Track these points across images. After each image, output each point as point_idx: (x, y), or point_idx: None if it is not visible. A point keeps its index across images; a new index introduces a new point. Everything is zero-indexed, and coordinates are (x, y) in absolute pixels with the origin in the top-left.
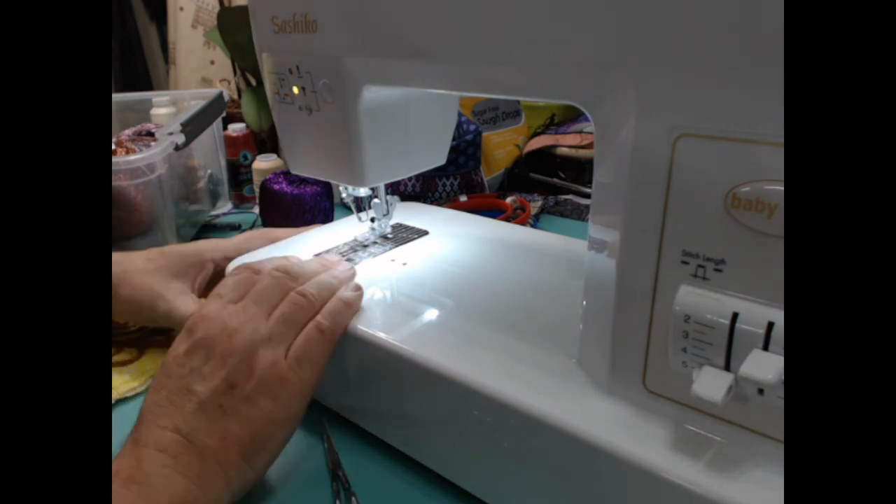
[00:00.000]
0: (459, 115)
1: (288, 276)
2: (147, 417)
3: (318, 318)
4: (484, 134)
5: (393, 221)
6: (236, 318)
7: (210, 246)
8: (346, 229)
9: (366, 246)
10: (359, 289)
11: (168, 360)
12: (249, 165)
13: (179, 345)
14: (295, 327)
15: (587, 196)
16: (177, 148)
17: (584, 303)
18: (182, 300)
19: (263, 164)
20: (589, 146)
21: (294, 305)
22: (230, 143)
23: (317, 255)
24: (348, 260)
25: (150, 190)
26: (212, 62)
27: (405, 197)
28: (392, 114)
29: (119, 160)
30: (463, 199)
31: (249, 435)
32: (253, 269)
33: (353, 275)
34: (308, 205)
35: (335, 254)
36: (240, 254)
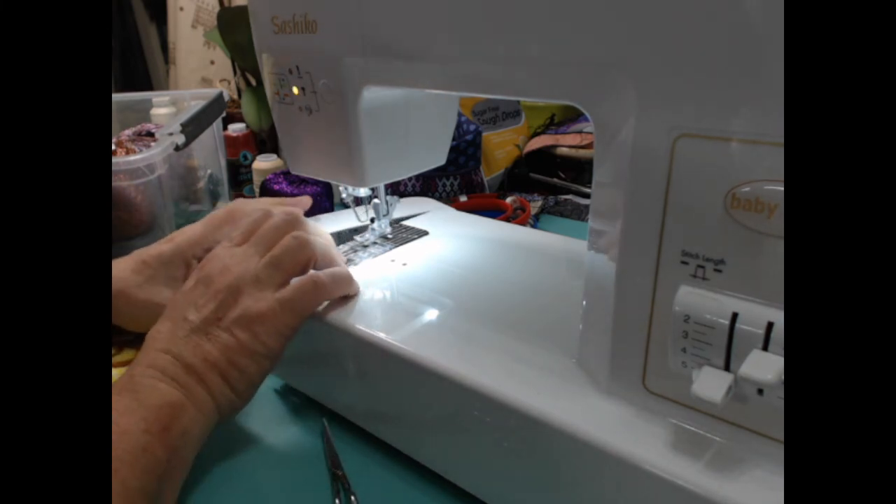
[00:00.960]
0: (459, 115)
1: (291, 222)
2: (147, 343)
3: (321, 273)
4: (484, 134)
5: (396, 214)
6: (233, 258)
7: (186, 241)
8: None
9: (366, 246)
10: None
11: (177, 294)
12: (249, 165)
13: (189, 280)
14: (283, 269)
15: (587, 196)
16: (177, 148)
17: (584, 303)
18: None
19: (263, 164)
20: (589, 146)
21: (285, 248)
22: (230, 143)
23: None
24: (348, 260)
25: (150, 190)
26: (212, 62)
27: (405, 197)
28: (392, 114)
29: (119, 160)
30: (463, 199)
31: (226, 360)
32: (266, 213)
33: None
34: None
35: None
36: (216, 242)
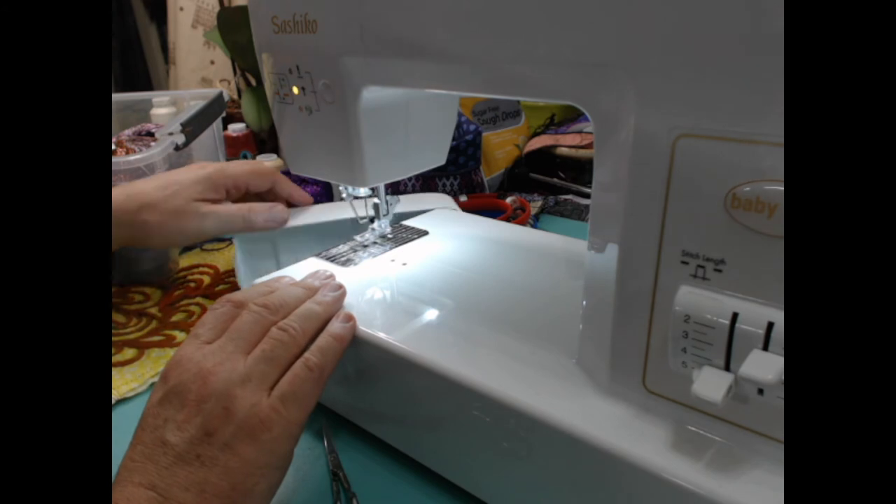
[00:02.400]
0: (459, 115)
1: (268, 310)
2: (122, 474)
3: (307, 354)
4: (484, 134)
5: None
6: (211, 358)
7: (216, 169)
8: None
9: (366, 246)
10: (350, 319)
11: (144, 412)
12: None
13: (154, 394)
14: (276, 365)
15: (587, 196)
16: (177, 148)
17: (584, 303)
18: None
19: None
20: (589, 146)
21: (275, 342)
22: (230, 143)
23: (316, 255)
24: (348, 260)
25: None
26: (212, 62)
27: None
28: (392, 114)
29: (119, 160)
30: (463, 199)
31: (230, 485)
32: (233, 303)
33: (343, 295)
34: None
35: (336, 251)
36: (249, 186)
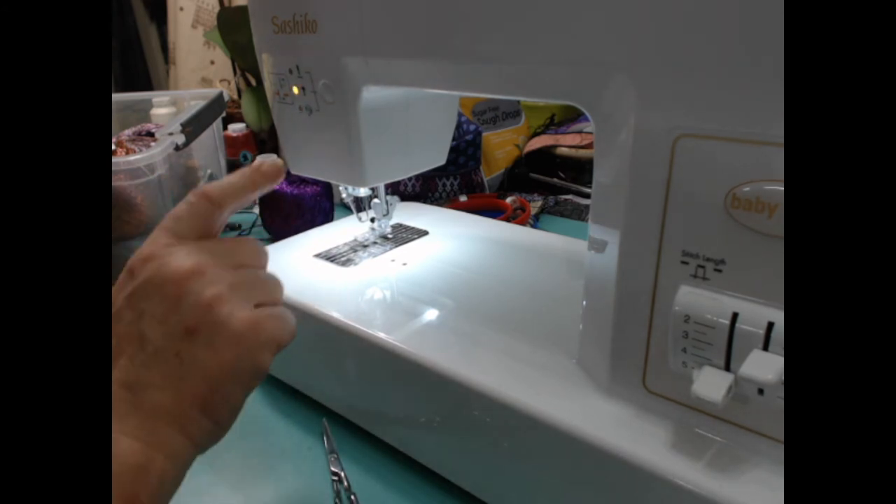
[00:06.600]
0: (459, 115)
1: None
2: None
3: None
4: (484, 134)
5: (393, 221)
6: (192, 256)
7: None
8: (347, 229)
9: (366, 246)
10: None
11: (114, 305)
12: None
13: (121, 288)
14: (261, 288)
15: (587, 196)
16: (177, 148)
17: (584, 303)
18: None
19: None
20: (589, 146)
21: (261, 277)
22: (230, 143)
23: (316, 255)
24: (348, 260)
25: (150, 190)
26: (212, 62)
27: (405, 197)
28: (392, 114)
29: (119, 160)
30: (463, 199)
31: (209, 388)
32: (209, 199)
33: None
34: (308, 205)
35: (336, 252)
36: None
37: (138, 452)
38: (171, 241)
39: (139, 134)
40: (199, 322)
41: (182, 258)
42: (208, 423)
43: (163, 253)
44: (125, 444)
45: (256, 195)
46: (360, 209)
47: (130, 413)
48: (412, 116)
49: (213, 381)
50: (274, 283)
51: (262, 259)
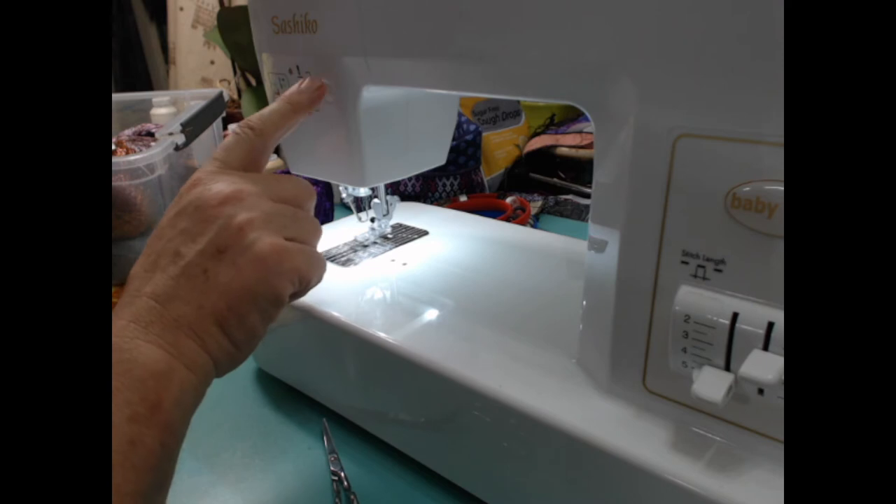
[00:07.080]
0: (459, 115)
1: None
2: (132, 284)
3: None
4: (484, 134)
5: (393, 221)
6: (235, 183)
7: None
8: (346, 229)
9: (366, 246)
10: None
11: (160, 223)
12: None
13: (171, 208)
14: (299, 223)
15: (587, 196)
16: (177, 148)
17: (584, 303)
18: None
19: None
20: (589, 146)
21: (299, 215)
22: None
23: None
24: (348, 260)
25: (150, 190)
26: (212, 62)
27: (405, 197)
28: (392, 114)
29: (119, 160)
30: (463, 199)
31: (227, 306)
32: (254, 130)
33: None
34: None
35: (336, 251)
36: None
37: (161, 360)
38: (218, 168)
39: (139, 134)
40: (228, 243)
41: (223, 184)
42: (226, 340)
43: (208, 179)
44: (149, 351)
45: (300, 118)
46: (360, 209)
47: (155, 321)
48: (412, 116)
49: (232, 298)
50: (311, 225)
51: (305, 199)
